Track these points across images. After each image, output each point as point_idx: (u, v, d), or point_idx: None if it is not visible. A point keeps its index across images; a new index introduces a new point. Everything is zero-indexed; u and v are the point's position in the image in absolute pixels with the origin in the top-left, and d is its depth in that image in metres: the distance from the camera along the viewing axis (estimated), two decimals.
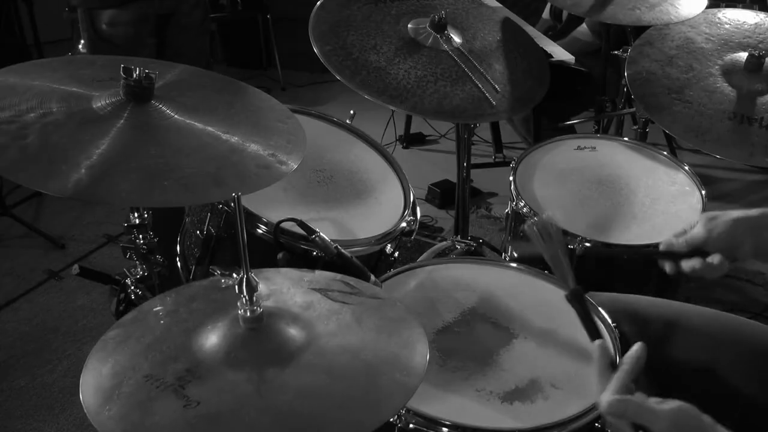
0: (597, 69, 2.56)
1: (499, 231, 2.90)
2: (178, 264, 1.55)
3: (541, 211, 1.57)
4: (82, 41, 2.21)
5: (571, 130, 2.83)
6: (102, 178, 1.06)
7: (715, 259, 1.11)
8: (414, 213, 1.54)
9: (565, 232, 1.51)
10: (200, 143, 1.19)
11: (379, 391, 0.86)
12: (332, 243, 1.28)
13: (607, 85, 2.58)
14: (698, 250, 1.13)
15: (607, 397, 0.89)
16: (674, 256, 1.16)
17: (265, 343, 0.90)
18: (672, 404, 0.86)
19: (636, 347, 0.93)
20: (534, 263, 1.44)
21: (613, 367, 0.93)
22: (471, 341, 1.20)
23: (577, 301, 1.02)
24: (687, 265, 1.14)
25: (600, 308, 1.24)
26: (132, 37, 2.18)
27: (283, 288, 1.03)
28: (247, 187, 1.15)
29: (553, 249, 1.03)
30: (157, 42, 2.27)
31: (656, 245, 1.22)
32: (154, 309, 1.01)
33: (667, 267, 1.18)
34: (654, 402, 0.86)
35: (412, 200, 1.56)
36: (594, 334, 0.99)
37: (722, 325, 1.25)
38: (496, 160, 3.13)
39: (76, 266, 1.53)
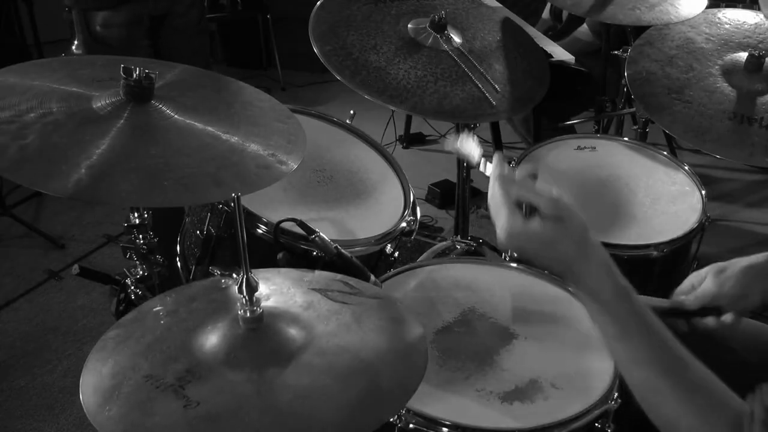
0: (597, 69, 2.56)
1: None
2: (178, 264, 1.55)
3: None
4: (76, 42, 2.21)
5: (571, 130, 2.83)
6: (102, 178, 1.06)
7: (728, 318, 1.10)
8: (414, 213, 1.54)
9: None
10: (200, 143, 1.19)
11: (379, 391, 0.86)
12: (332, 243, 1.28)
13: (607, 85, 2.58)
14: (708, 305, 1.12)
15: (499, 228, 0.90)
16: (685, 314, 1.14)
17: (265, 344, 0.90)
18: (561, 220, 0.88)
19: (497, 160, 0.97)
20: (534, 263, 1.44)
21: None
22: (471, 341, 1.20)
23: None
24: (701, 324, 1.12)
25: None
26: (126, 39, 2.18)
27: (283, 288, 1.03)
28: (247, 187, 1.15)
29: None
30: (151, 44, 2.27)
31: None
32: (154, 309, 1.01)
33: (673, 324, 1.17)
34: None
35: (412, 200, 1.56)
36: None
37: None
38: None
39: (76, 266, 1.53)
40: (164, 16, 2.27)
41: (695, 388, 0.83)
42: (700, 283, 1.15)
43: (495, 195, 0.92)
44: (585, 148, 1.83)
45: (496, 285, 1.34)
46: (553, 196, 0.88)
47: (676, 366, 0.84)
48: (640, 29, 2.00)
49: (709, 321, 1.12)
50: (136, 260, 1.45)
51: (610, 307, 0.86)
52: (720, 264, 1.14)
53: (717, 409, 0.82)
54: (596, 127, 2.63)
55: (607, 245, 1.45)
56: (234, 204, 0.90)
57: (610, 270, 0.88)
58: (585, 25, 2.87)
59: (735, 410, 0.81)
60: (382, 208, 1.54)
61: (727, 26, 1.90)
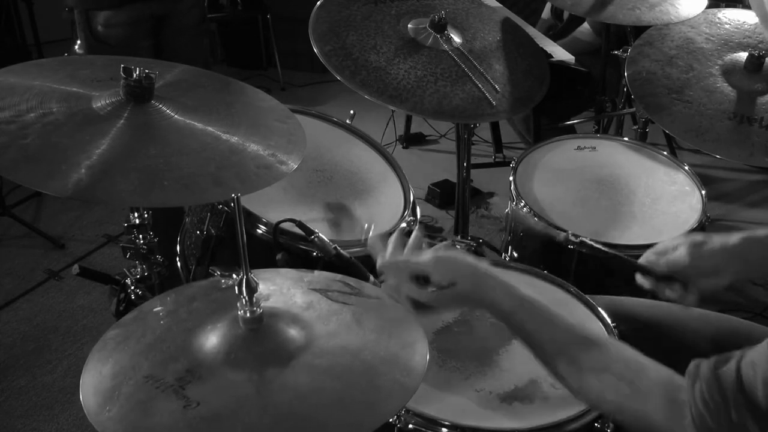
0: (597, 69, 2.56)
1: (499, 231, 2.90)
2: (178, 264, 1.55)
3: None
4: (78, 42, 2.20)
5: (571, 130, 2.83)
6: (102, 178, 1.06)
7: (691, 297, 1.13)
8: (414, 213, 1.54)
9: (565, 232, 1.51)
10: (200, 143, 1.19)
11: (378, 392, 0.86)
12: (331, 243, 1.28)
13: (607, 85, 2.58)
14: (676, 273, 1.14)
15: (379, 262, 1.05)
16: (652, 274, 1.17)
17: (265, 344, 0.90)
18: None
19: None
20: (534, 263, 1.44)
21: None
22: (470, 341, 1.20)
23: None
24: (663, 290, 1.16)
25: (600, 309, 1.24)
26: (128, 39, 2.17)
27: (282, 288, 1.03)
28: (247, 187, 1.15)
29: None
30: (153, 44, 2.26)
31: (649, 245, 1.22)
32: (154, 309, 1.01)
33: (642, 281, 1.19)
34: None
35: (412, 200, 1.56)
36: None
37: (720, 326, 1.25)
38: (496, 160, 3.13)
39: (76, 266, 1.53)
40: (166, 16, 2.27)
41: (619, 366, 0.87)
42: (674, 250, 1.16)
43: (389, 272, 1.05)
44: (585, 148, 1.83)
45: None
46: (436, 258, 0.99)
47: (584, 346, 0.91)
48: (640, 29, 2.00)
49: (673, 291, 1.14)
50: (136, 260, 1.45)
51: (514, 317, 0.96)
52: (698, 238, 1.15)
53: (650, 384, 0.85)
54: (596, 127, 2.63)
55: (607, 245, 1.48)
56: (234, 204, 0.90)
57: (504, 289, 0.97)
58: (586, 25, 2.87)
59: (670, 382, 0.84)
60: (382, 208, 1.54)
61: (727, 26, 1.90)
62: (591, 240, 1.46)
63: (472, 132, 2.01)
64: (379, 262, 1.06)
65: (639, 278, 1.20)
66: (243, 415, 0.80)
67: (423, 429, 1.03)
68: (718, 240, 1.13)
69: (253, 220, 1.33)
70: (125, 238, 1.43)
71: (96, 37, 2.17)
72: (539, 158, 1.78)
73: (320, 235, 1.28)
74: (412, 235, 1.07)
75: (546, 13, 3.15)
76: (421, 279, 1.00)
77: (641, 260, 1.20)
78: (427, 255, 1.00)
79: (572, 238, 1.45)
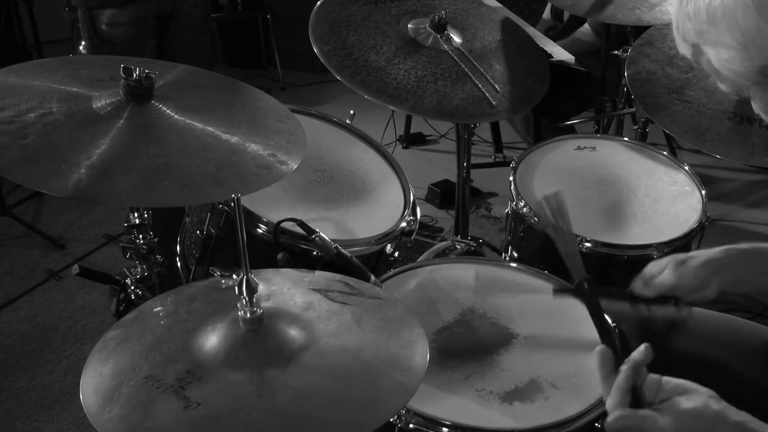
0: (597, 69, 2.56)
1: (499, 231, 2.90)
2: (178, 264, 1.55)
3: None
4: (83, 42, 2.20)
5: (571, 130, 2.83)
6: (102, 178, 1.06)
7: (685, 311, 1.15)
8: (414, 213, 1.54)
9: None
10: (200, 143, 1.19)
11: (379, 392, 0.86)
12: (332, 243, 1.28)
13: (607, 85, 2.58)
14: (665, 294, 1.15)
15: (609, 409, 0.88)
16: (644, 300, 1.18)
17: (266, 344, 0.90)
18: (676, 407, 0.85)
19: (640, 350, 0.90)
20: (534, 263, 1.44)
21: (616, 369, 0.92)
22: (470, 341, 1.20)
23: (590, 290, 0.98)
24: (659, 312, 1.16)
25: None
26: (132, 38, 2.17)
27: (283, 289, 1.03)
28: (247, 187, 1.15)
29: (564, 233, 1.00)
30: (156, 43, 2.26)
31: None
32: (154, 309, 1.01)
33: (634, 310, 1.20)
34: (655, 408, 0.86)
35: (412, 200, 1.56)
36: (602, 329, 0.95)
37: (721, 326, 1.25)
38: (496, 160, 3.13)
39: (76, 266, 1.53)
40: (170, 15, 2.27)
41: None
42: (660, 273, 1.17)
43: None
44: (585, 148, 1.82)
45: (496, 285, 1.34)
46: (679, 418, 0.85)
47: None
48: (640, 29, 1.99)
49: (667, 310, 1.15)
50: (136, 260, 1.45)
51: None
52: (680, 256, 1.17)
53: None
54: (596, 127, 2.63)
55: (607, 245, 1.48)
56: (234, 204, 0.90)
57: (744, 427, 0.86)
58: (586, 25, 2.87)
59: None
60: (382, 208, 1.54)
61: None
62: (587, 240, 1.46)
63: (472, 132, 2.01)
64: (609, 406, 0.89)
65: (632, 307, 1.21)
66: (243, 415, 0.80)
67: (423, 429, 1.03)
68: (700, 256, 1.15)
69: (253, 219, 1.33)
70: (125, 238, 1.43)
71: (100, 37, 2.18)
72: (539, 158, 1.77)
73: (321, 234, 1.28)
74: (645, 378, 0.90)
75: (546, 13, 3.16)
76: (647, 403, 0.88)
77: (629, 291, 1.20)
78: (666, 416, 0.85)
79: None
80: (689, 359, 1.19)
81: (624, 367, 0.89)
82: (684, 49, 0.94)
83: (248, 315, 0.91)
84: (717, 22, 0.84)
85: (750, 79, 0.87)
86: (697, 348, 1.21)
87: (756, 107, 0.93)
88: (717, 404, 0.86)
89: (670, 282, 1.14)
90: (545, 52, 1.98)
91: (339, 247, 1.28)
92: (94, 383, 0.86)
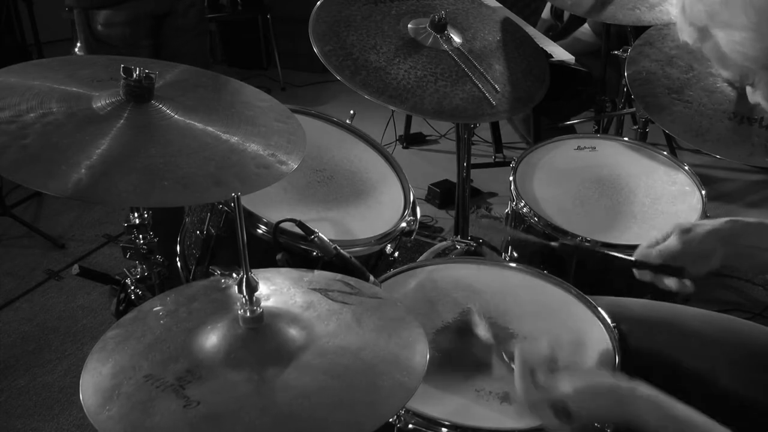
0: (597, 69, 2.56)
1: (499, 231, 2.90)
2: (178, 264, 1.55)
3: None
4: (78, 44, 2.21)
5: (571, 130, 2.83)
6: (102, 178, 1.06)
7: (687, 283, 1.15)
8: (414, 213, 1.54)
9: (565, 232, 1.51)
10: (200, 143, 1.19)
11: (378, 392, 0.86)
12: (331, 243, 1.28)
13: (607, 85, 2.58)
14: (670, 262, 1.16)
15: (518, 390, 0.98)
16: (648, 266, 1.19)
17: (265, 344, 0.90)
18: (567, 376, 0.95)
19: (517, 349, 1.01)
20: (534, 263, 1.44)
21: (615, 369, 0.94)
22: (470, 341, 1.20)
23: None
24: (662, 280, 1.17)
25: (600, 309, 1.24)
26: (128, 38, 2.18)
27: (283, 288, 1.03)
28: (247, 187, 1.15)
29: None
30: (153, 43, 2.27)
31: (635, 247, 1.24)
32: (154, 309, 1.01)
33: (640, 275, 1.21)
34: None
35: (412, 200, 1.56)
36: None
37: (720, 326, 1.26)
38: (496, 160, 3.13)
39: (76, 266, 1.53)
40: (165, 15, 2.27)
41: None
42: (664, 240, 1.18)
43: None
44: (585, 148, 1.82)
45: (496, 285, 1.34)
46: (575, 390, 0.94)
47: None
48: (640, 29, 1.99)
49: (671, 282, 1.16)
50: (136, 260, 1.45)
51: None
52: (685, 224, 1.18)
53: None
54: (596, 127, 2.63)
55: (607, 245, 1.48)
56: (234, 204, 0.90)
57: (652, 406, 0.91)
58: (586, 25, 2.87)
59: None
60: (382, 208, 1.54)
61: None
62: (587, 240, 1.46)
63: (472, 132, 2.01)
64: (519, 386, 1.00)
65: (637, 273, 1.22)
66: (243, 415, 0.80)
67: (423, 429, 1.02)
68: (705, 224, 1.16)
69: (253, 219, 1.33)
70: (125, 238, 1.43)
71: (96, 37, 2.18)
72: (539, 158, 1.77)
73: (320, 234, 1.28)
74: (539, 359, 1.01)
75: (546, 13, 3.16)
76: (561, 411, 0.95)
77: (636, 255, 1.22)
78: (564, 385, 0.96)
79: (567, 242, 1.46)
80: (687, 362, 1.19)
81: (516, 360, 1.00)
82: (687, 35, 0.94)
83: (248, 314, 0.91)
84: (730, 1, 0.84)
85: (758, 63, 0.87)
86: (695, 351, 1.21)
87: (759, 95, 0.93)
88: (608, 379, 0.94)
89: (674, 248, 1.15)
90: (545, 52, 1.98)
91: (338, 248, 1.28)
92: (93, 383, 0.86)
